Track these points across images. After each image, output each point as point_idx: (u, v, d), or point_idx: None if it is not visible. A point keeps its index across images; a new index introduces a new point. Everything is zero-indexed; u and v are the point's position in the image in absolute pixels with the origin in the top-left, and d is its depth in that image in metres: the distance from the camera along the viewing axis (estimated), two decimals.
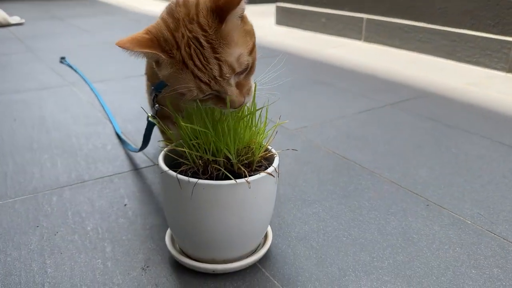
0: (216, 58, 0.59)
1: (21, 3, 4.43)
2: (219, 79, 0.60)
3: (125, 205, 0.89)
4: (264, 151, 0.69)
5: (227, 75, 0.60)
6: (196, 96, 0.61)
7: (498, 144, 1.18)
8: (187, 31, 0.60)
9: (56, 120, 1.34)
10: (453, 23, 2.04)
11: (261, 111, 0.68)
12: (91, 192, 0.94)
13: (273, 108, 0.70)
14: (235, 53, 0.61)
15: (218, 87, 0.61)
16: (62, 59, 2.04)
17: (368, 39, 2.48)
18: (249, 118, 0.67)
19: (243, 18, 0.64)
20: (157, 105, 0.84)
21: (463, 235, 0.80)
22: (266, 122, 0.68)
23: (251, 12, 0.74)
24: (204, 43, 0.59)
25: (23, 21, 3.19)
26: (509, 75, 1.83)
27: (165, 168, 0.64)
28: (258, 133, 0.67)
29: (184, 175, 0.62)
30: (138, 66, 2.10)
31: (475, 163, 1.08)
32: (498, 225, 0.83)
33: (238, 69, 0.61)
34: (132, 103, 1.50)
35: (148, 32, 0.62)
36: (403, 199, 0.92)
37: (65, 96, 1.57)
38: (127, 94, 1.59)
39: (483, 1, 1.91)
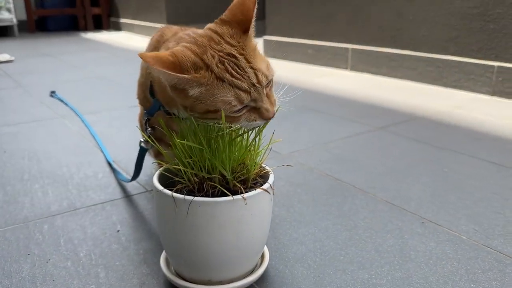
0: (251, 67, 0.63)
1: (11, 41, 4.47)
2: (258, 85, 0.63)
3: (117, 231, 0.88)
4: (258, 169, 0.69)
5: (263, 81, 0.64)
6: (232, 108, 0.63)
7: (486, 163, 1.20)
8: (216, 51, 0.63)
9: (47, 151, 1.33)
10: (437, 49, 2.11)
11: (254, 130, 0.68)
12: (83, 219, 0.92)
13: (264, 134, 0.70)
14: (263, 63, 0.66)
15: (257, 94, 0.64)
16: (52, 93, 2.05)
17: (355, 68, 2.53)
18: (244, 136, 0.67)
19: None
20: (149, 129, 0.84)
21: (460, 250, 0.80)
22: (261, 138, 0.68)
23: None
24: (237, 55, 0.64)
25: (12, 58, 3.21)
26: (493, 98, 1.88)
27: (160, 187, 0.63)
28: (253, 149, 0.67)
29: (180, 194, 0.62)
30: (126, 98, 2.11)
31: (466, 181, 1.09)
32: (494, 240, 0.83)
33: (270, 77, 0.66)
34: (122, 132, 1.50)
35: (173, 55, 0.63)
36: (398, 218, 0.92)
37: (55, 128, 1.57)
38: (117, 125, 1.60)
39: (465, 29, 1.98)
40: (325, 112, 1.72)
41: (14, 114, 1.76)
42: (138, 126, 1.03)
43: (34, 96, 2.05)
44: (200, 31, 0.70)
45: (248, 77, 0.63)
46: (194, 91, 0.62)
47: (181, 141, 0.63)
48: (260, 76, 0.64)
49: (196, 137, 0.65)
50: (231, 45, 0.64)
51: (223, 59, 0.63)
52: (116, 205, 0.99)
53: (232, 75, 0.62)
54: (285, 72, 2.60)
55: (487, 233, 0.85)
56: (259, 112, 0.65)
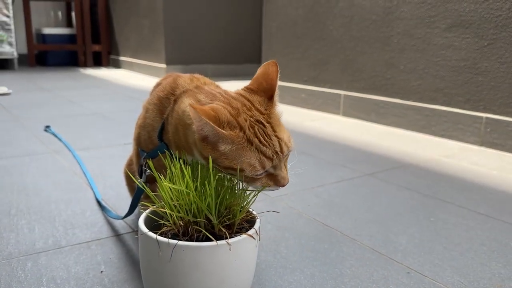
0: (276, 136, 0.69)
1: (10, 74, 4.53)
2: (280, 154, 0.68)
3: (101, 271, 0.87)
4: (245, 213, 0.70)
5: (285, 151, 0.69)
6: (255, 171, 0.67)
7: (474, 213, 1.21)
8: (248, 116, 0.69)
9: (37, 186, 1.33)
10: (426, 99, 2.16)
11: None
12: (67, 258, 0.91)
13: None
14: (286, 134, 0.71)
15: (278, 162, 0.68)
16: (47, 128, 2.06)
17: (346, 113, 2.58)
18: (231, 180, 0.68)
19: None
20: (148, 171, 0.85)
21: None
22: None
23: (238, 88, 0.78)
24: (265, 123, 0.69)
25: (10, 91, 3.24)
26: (482, 148, 1.92)
27: (145, 229, 0.64)
28: (240, 194, 0.68)
29: (164, 237, 0.62)
30: (121, 135, 2.13)
31: (453, 231, 1.09)
32: None
33: (290, 148, 0.70)
34: (113, 170, 1.50)
35: (214, 110, 0.67)
36: (384, 267, 0.92)
37: (47, 163, 1.57)
38: (109, 162, 1.60)
39: (452, 80, 2.04)
40: (316, 156, 1.74)
41: (7, 147, 1.76)
42: (123, 172, 1.04)
43: (29, 130, 2.06)
44: (232, 93, 0.76)
45: (273, 145, 0.68)
46: (224, 147, 0.67)
47: (169, 185, 0.64)
48: (283, 145, 0.69)
49: (184, 179, 0.66)
50: (261, 113, 0.70)
51: (254, 124, 0.68)
52: (101, 244, 0.98)
53: (259, 141, 0.67)
54: None
55: (472, 286, 0.85)
56: (275, 179, 0.70)
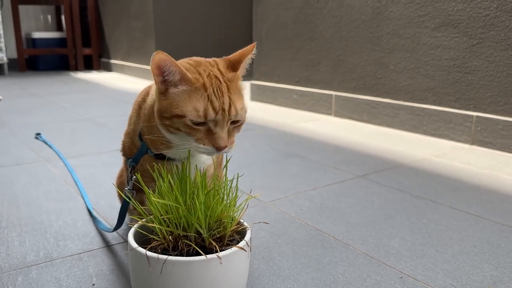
0: (229, 97, 0.71)
1: (0, 80, 4.49)
2: (226, 112, 0.70)
3: (93, 284, 0.86)
4: (236, 225, 0.70)
5: (233, 113, 0.71)
6: (197, 117, 0.69)
7: (465, 214, 1.21)
8: (209, 69, 0.74)
9: (28, 196, 1.32)
10: (417, 99, 2.17)
11: (232, 183, 0.69)
12: (58, 271, 0.91)
13: (247, 180, 0.72)
14: (240, 103, 0.73)
15: (221, 119, 0.70)
16: (38, 135, 2.05)
17: (338, 114, 2.59)
18: (221, 192, 0.68)
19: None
20: (134, 177, 0.85)
21: None
22: (237, 195, 0.69)
23: None
24: (222, 81, 0.73)
25: (0, 97, 3.22)
26: (472, 146, 1.93)
27: (135, 245, 0.63)
28: (229, 206, 0.68)
29: (154, 252, 0.61)
30: (112, 141, 2.12)
31: (445, 233, 1.10)
32: None
33: (239, 117, 0.73)
34: (105, 178, 1.49)
35: (174, 60, 0.73)
36: (377, 272, 0.92)
37: (38, 171, 1.56)
38: (101, 170, 1.59)
39: (442, 80, 2.05)
40: (308, 158, 1.74)
41: None
42: (115, 184, 1.05)
43: (19, 138, 2.05)
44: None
45: (223, 101, 0.71)
46: (179, 89, 0.71)
47: (158, 199, 0.63)
48: (232, 108, 0.72)
49: (173, 193, 0.65)
50: (221, 73, 0.75)
51: (212, 76, 0.73)
52: (93, 256, 0.97)
53: (213, 91, 0.71)
54: (271, 116, 2.64)
55: None
56: (212, 138, 0.71)
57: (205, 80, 0.72)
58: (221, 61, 0.78)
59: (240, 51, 0.80)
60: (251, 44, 0.80)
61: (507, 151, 1.83)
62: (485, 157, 1.78)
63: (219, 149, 0.71)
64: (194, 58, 0.80)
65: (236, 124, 0.74)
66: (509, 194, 1.37)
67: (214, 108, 0.70)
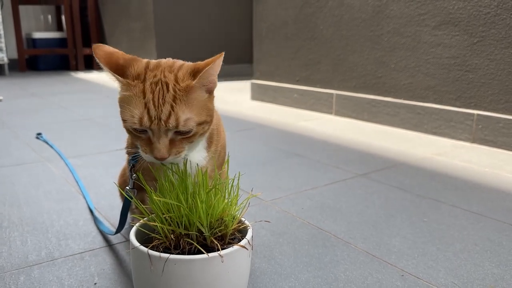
0: (172, 106, 0.67)
1: (1, 80, 4.50)
2: (162, 122, 0.67)
3: (95, 283, 0.86)
4: (237, 223, 0.70)
5: (170, 124, 0.67)
6: (132, 123, 0.68)
7: (467, 212, 1.21)
8: (162, 75, 0.70)
9: (29, 196, 1.32)
10: (418, 97, 2.17)
11: (233, 182, 0.69)
12: (60, 270, 0.91)
13: (248, 179, 0.72)
14: (187, 115, 0.68)
15: (156, 129, 0.68)
16: (38, 135, 2.05)
17: (338, 112, 2.59)
18: (222, 190, 0.68)
19: (210, 95, 0.73)
20: (134, 175, 0.85)
21: None
22: (238, 194, 0.69)
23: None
24: (171, 89, 0.68)
25: (0, 98, 3.22)
26: (473, 145, 1.93)
27: (136, 243, 0.63)
28: (231, 205, 0.68)
29: (156, 251, 0.62)
30: (113, 140, 2.12)
31: (446, 232, 1.10)
32: None
33: (181, 128, 0.68)
34: (106, 178, 1.49)
35: (132, 59, 0.72)
36: (378, 270, 0.92)
37: (39, 171, 1.56)
38: (102, 169, 1.59)
39: (443, 78, 2.05)
40: (309, 157, 1.74)
41: None
42: (117, 183, 1.05)
43: (20, 138, 2.05)
44: (177, 60, 0.78)
45: (162, 110, 0.67)
46: (123, 94, 0.70)
47: (159, 198, 0.64)
48: (171, 118, 0.67)
49: (174, 191, 0.65)
50: (176, 80, 0.70)
51: (159, 84, 0.69)
52: (95, 255, 0.98)
53: (152, 99, 0.68)
54: (271, 115, 2.64)
55: (465, 287, 0.85)
56: (151, 147, 0.70)
57: (146, 86, 0.68)
58: (186, 67, 0.73)
59: (208, 59, 0.74)
60: (219, 54, 0.73)
61: (508, 149, 1.83)
62: (486, 155, 1.78)
63: (156, 158, 0.69)
64: (162, 60, 0.76)
65: (185, 135, 0.70)
66: (510, 192, 1.37)
67: (149, 117, 0.67)
